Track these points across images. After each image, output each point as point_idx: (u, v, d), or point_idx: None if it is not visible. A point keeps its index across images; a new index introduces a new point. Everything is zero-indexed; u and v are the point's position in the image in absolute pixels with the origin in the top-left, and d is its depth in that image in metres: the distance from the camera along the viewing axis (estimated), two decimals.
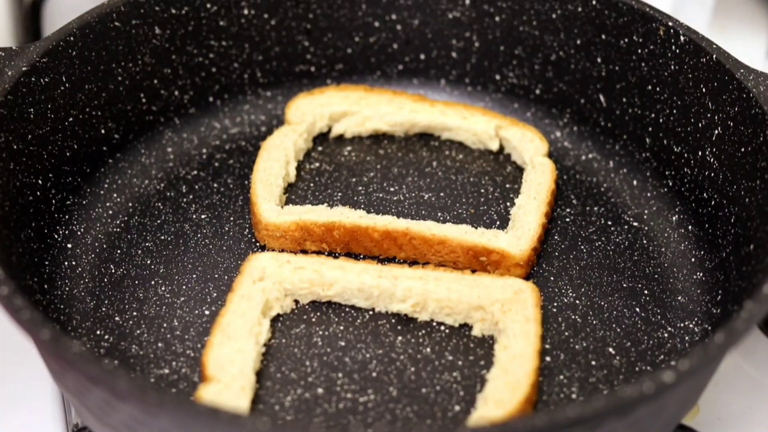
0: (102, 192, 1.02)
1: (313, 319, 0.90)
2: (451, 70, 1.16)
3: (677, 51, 0.99)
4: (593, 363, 0.88)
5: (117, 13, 1.01)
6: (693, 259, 0.98)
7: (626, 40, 1.04)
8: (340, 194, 1.03)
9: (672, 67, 1.00)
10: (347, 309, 0.91)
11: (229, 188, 1.04)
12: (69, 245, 0.96)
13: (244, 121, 1.13)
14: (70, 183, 1.00)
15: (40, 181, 0.95)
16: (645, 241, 1.00)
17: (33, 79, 0.93)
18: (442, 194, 1.03)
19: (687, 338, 0.91)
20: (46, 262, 0.93)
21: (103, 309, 0.91)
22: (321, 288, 0.91)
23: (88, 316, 0.90)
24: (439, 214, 1.01)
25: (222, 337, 0.85)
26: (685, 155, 1.01)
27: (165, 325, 0.90)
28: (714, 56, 0.96)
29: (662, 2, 1.10)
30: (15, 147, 0.91)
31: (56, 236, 0.96)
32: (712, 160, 0.97)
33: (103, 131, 1.04)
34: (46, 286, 0.91)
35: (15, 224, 0.89)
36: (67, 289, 0.92)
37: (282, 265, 0.91)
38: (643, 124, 1.06)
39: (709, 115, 0.97)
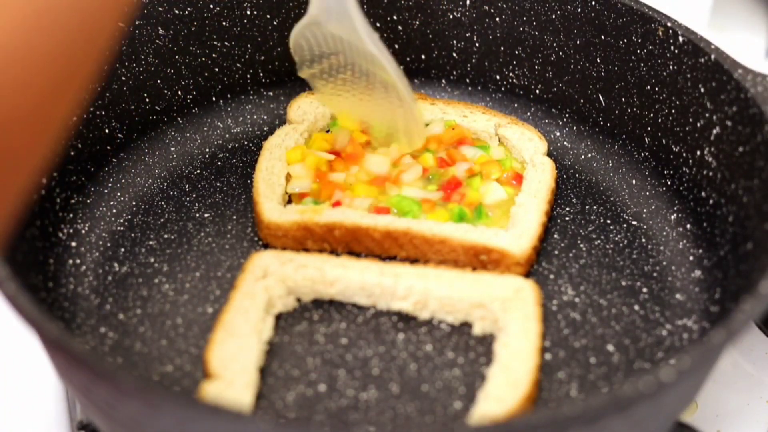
0: (106, 191, 1.03)
1: (315, 317, 0.91)
2: (451, 70, 1.16)
3: (676, 51, 1.00)
4: (592, 360, 0.89)
5: (121, 14, 1.02)
6: (691, 258, 0.98)
7: (625, 40, 1.05)
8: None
9: (671, 67, 1.01)
10: (349, 307, 0.92)
11: (232, 187, 1.05)
12: (73, 244, 0.97)
13: (247, 121, 1.14)
14: (75, 182, 1.00)
15: (44, 180, 0.95)
16: (644, 240, 1.01)
17: None
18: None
19: (685, 336, 0.91)
20: (51, 261, 0.93)
21: (107, 307, 0.92)
22: (323, 286, 0.91)
23: (93, 313, 0.91)
24: None
25: (225, 334, 0.85)
26: (684, 155, 1.02)
27: (168, 322, 0.90)
28: (712, 57, 0.96)
29: (661, 3, 1.10)
30: None
31: (61, 235, 0.96)
32: (710, 159, 0.98)
33: (107, 131, 1.05)
34: (50, 284, 0.91)
35: (20, 223, 0.89)
36: (71, 287, 0.93)
37: (284, 264, 0.92)
38: (642, 124, 1.06)
39: (707, 115, 0.97)
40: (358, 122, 1.06)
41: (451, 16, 1.13)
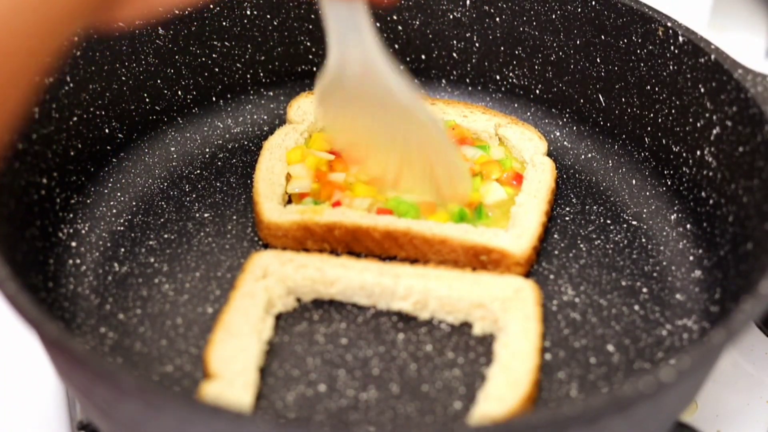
0: (106, 191, 1.03)
1: (315, 317, 0.91)
2: (451, 70, 1.16)
3: (676, 51, 1.00)
4: (592, 360, 0.89)
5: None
6: (691, 258, 0.98)
7: (625, 40, 1.05)
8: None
9: (671, 67, 1.01)
10: (349, 307, 0.92)
11: (232, 187, 1.05)
12: (73, 244, 0.97)
13: (247, 121, 1.14)
14: (75, 182, 1.00)
15: (44, 180, 0.96)
16: (644, 240, 1.01)
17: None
18: None
19: (685, 336, 0.91)
20: (51, 261, 0.93)
21: (107, 307, 0.92)
22: (323, 286, 0.91)
23: (93, 313, 0.91)
24: None
25: (224, 334, 0.85)
26: (684, 155, 1.02)
27: (168, 322, 0.90)
28: (712, 57, 0.96)
29: (661, 3, 1.10)
30: (20, 146, 0.92)
31: (61, 235, 0.96)
32: (710, 159, 0.98)
33: (107, 131, 1.05)
34: (50, 284, 0.91)
35: (20, 223, 0.89)
36: (71, 287, 0.93)
37: (284, 263, 0.92)
38: (642, 124, 1.06)
39: (707, 115, 0.97)
40: (390, 180, 0.95)
41: (451, 16, 1.14)
